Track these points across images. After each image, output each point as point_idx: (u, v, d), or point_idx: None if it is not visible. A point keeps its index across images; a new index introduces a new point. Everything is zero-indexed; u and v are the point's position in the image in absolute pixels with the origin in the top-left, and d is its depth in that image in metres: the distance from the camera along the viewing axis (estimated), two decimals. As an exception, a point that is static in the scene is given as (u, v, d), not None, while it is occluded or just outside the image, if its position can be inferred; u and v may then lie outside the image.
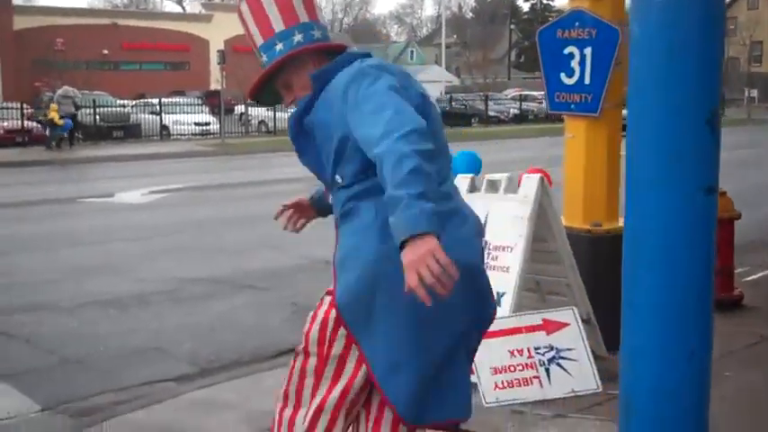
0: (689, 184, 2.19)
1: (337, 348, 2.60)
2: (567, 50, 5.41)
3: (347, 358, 2.60)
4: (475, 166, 5.40)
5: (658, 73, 2.19)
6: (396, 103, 2.38)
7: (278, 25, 2.71)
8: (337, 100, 2.53)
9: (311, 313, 2.70)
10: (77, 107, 28.08)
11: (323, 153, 2.64)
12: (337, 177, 2.61)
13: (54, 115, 26.60)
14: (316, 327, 2.64)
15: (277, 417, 2.74)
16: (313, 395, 2.65)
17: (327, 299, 2.66)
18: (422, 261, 2.12)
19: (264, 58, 2.75)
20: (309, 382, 2.66)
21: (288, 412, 2.71)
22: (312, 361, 2.64)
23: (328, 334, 2.61)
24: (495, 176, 5.21)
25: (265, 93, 2.86)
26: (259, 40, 2.76)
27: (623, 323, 2.43)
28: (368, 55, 2.71)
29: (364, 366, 2.58)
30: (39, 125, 28.98)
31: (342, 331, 2.59)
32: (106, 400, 5.32)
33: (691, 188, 2.19)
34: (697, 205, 2.20)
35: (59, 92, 27.84)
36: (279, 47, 2.70)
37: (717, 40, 2.33)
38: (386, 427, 2.66)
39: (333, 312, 2.60)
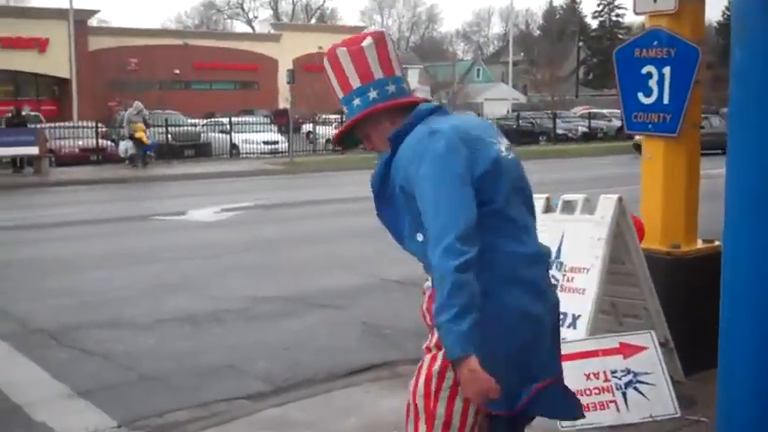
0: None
1: (442, 403, 2.78)
2: (644, 70, 5.35)
3: (453, 410, 2.77)
4: None
5: (760, 99, 2.15)
6: (448, 199, 2.63)
7: (355, 82, 2.91)
8: (402, 171, 2.79)
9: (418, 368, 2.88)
10: (147, 125, 28.57)
11: (400, 213, 2.87)
12: (418, 236, 2.81)
13: (142, 134, 27.25)
14: (422, 381, 2.82)
15: None
16: None
17: (429, 355, 2.85)
18: (466, 384, 2.59)
19: (346, 110, 2.97)
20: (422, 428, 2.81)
21: None
22: (422, 415, 2.81)
23: (433, 389, 2.78)
24: (571, 197, 5.16)
25: (349, 139, 3.13)
26: (340, 93, 2.97)
27: (721, 348, 2.39)
28: (438, 109, 2.92)
29: (472, 409, 2.77)
30: (113, 144, 29.65)
31: (446, 383, 2.76)
32: (182, 417, 5.39)
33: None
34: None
35: (130, 110, 28.20)
36: (356, 102, 2.91)
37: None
38: None
39: (435, 367, 2.79)
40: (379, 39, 2.92)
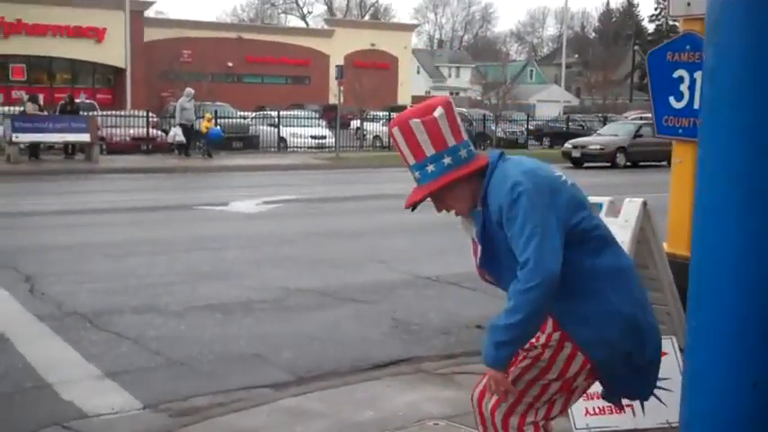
0: (759, 215, 2.13)
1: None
2: (676, 74, 5.32)
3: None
4: None
5: (731, 99, 2.14)
6: (539, 234, 2.86)
7: (428, 150, 3.05)
8: (496, 219, 2.99)
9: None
10: (195, 114, 28.81)
11: (505, 262, 3.04)
12: None
13: (207, 124, 27.80)
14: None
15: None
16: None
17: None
18: (490, 383, 3.08)
19: (417, 175, 3.11)
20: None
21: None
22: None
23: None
24: (596, 200, 5.13)
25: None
26: (411, 160, 3.10)
27: (685, 349, 2.40)
28: (502, 155, 3.11)
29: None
30: (163, 134, 30.03)
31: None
32: (205, 402, 5.49)
33: (762, 218, 2.13)
34: (765, 235, 2.14)
35: (183, 98, 28.37)
36: (430, 168, 3.06)
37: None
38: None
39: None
40: (448, 107, 3.08)
